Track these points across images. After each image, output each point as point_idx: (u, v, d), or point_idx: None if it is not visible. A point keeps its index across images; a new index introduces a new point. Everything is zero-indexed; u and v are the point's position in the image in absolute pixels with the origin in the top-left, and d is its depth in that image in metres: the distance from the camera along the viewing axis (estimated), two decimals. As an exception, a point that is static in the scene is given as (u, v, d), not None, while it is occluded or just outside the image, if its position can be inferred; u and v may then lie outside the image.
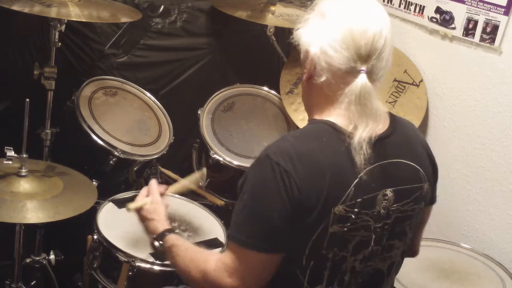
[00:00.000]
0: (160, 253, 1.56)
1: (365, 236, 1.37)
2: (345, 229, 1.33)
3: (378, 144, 1.36)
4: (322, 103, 1.41)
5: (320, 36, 1.36)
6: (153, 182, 1.69)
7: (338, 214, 1.31)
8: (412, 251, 1.65)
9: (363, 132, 1.31)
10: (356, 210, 1.33)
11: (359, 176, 1.32)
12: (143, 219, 1.62)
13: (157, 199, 1.63)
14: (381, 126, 1.40)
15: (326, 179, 1.29)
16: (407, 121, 1.55)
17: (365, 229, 1.36)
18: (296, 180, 1.28)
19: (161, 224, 1.57)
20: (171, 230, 1.55)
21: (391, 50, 1.39)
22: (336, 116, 1.37)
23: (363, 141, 1.31)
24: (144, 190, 1.68)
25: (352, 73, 1.33)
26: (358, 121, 1.32)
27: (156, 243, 1.53)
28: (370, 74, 1.34)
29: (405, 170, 1.41)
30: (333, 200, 1.30)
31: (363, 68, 1.32)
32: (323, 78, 1.36)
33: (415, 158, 1.44)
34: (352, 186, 1.31)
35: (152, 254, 1.94)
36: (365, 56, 1.33)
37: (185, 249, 1.48)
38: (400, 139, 1.43)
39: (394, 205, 1.39)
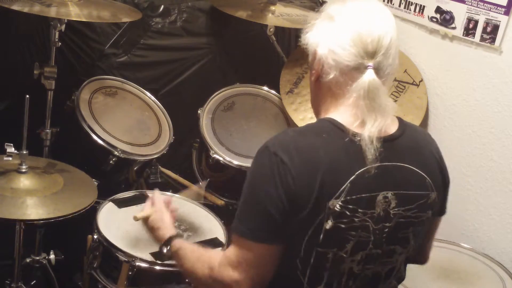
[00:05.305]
0: (169, 259, 1.60)
1: (363, 237, 1.37)
2: (342, 225, 1.33)
3: (386, 144, 1.36)
4: (329, 102, 1.43)
5: (328, 37, 1.40)
6: (156, 193, 1.77)
7: (333, 209, 1.31)
8: (423, 258, 1.67)
9: (372, 127, 1.33)
10: (351, 207, 1.33)
11: (356, 173, 1.32)
12: (151, 229, 1.69)
13: (161, 208, 1.70)
14: (391, 127, 1.41)
15: (321, 174, 1.30)
16: (418, 128, 1.56)
17: (363, 229, 1.36)
18: (292, 172, 1.30)
19: (167, 231, 1.63)
20: (176, 236, 1.60)
21: (397, 51, 1.42)
22: (343, 112, 1.39)
23: (373, 136, 1.32)
24: (149, 201, 1.75)
25: (360, 69, 1.35)
26: (367, 116, 1.33)
27: (164, 250, 1.58)
28: (378, 71, 1.36)
29: (410, 176, 1.40)
30: (327, 195, 1.31)
31: (370, 64, 1.35)
32: (331, 76, 1.39)
33: (423, 165, 1.42)
34: (348, 182, 1.32)
35: (152, 254, 1.94)
36: (371, 53, 1.35)
37: (191, 251, 1.51)
38: (408, 143, 1.43)
39: (396, 209, 1.38)
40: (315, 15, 1.47)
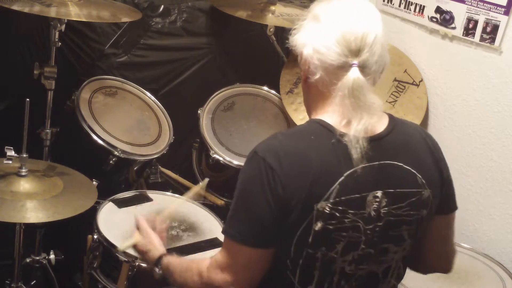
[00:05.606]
0: (162, 279, 1.59)
1: (354, 238, 1.36)
2: (331, 227, 1.33)
3: (373, 143, 1.36)
4: (318, 102, 1.44)
5: (313, 37, 1.40)
6: (140, 220, 1.72)
7: (321, 211, 1.32)
8: (446, 266, 1.63)
9: (358, 125, 1.33)
10: (341, 208, 1.33)
11: (345, 174, 1.33)
12: (140, 253, 1.69)
13: (147, 232, 1.68)
14: (379, 125, 1.40)
15: (310, 177, 1.31)
16: (412, 124, 1.54)
17: (354, 229, 1.36)
18: (282, 177, 1.31)
19: (156, 251, 1.62)
20: (165, 254, 1.60)
21: (384, 47, 1.41)
22: (331, 113, 1.39)
23: (359, 135, 1.32)
24: (134, 228, 1.74)
25: (344, 67, 1.35)
26: (352, 115, 1.34)
27: (156, 270, 1.58)
28: (363, 68, 1.36)
29: (400, 174, 1.40)
30: (315, 197, 1.31)
31: (355, 62, 1.35)
32: (317, 76, 1.39)
33: (414, 162, 1.41)
34: (336, 183, 1.32)
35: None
36: (355, 51, 1.35)
37: (179, 263, 1.54)
38: (398, 140, 1.42)
39: (386, 208, 1.38)
40: (303, 15, 1.46)
